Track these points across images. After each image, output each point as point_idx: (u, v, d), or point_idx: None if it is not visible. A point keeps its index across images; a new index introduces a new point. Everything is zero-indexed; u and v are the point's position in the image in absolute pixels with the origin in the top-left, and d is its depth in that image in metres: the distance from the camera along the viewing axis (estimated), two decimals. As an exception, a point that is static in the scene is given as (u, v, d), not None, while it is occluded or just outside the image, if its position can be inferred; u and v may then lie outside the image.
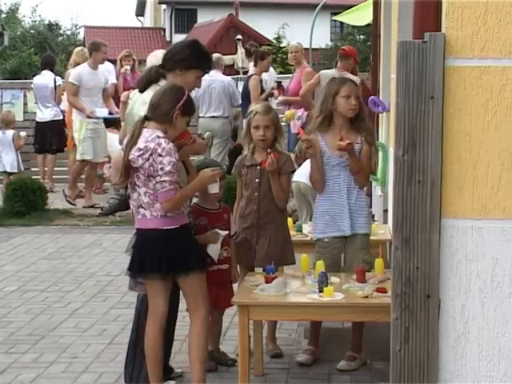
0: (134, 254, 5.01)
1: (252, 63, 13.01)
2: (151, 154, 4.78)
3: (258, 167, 5.76)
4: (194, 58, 5.28)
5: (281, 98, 12.40)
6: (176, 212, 4.89)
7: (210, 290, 5.12)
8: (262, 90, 12.39)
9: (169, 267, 4.89)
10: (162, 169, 4.78)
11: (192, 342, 5.05)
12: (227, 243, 5.52)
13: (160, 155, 4.77)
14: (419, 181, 3.53)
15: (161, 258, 4.89)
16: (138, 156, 4.81)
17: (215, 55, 13.38)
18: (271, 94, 12.48)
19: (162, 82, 5.24)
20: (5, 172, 13.07)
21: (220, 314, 5.78)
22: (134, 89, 6.43)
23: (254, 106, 5.92)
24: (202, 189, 5.27)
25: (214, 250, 5.36)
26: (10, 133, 13.16)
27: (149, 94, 5.22)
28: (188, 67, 5.25)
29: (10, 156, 13.14)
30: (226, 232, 5.41)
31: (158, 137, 4.81)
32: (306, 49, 22.23)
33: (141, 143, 4.82)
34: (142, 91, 5.34)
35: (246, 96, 12.40)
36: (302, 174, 9.20)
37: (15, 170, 13.10)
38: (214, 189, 5.34)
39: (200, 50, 5.41)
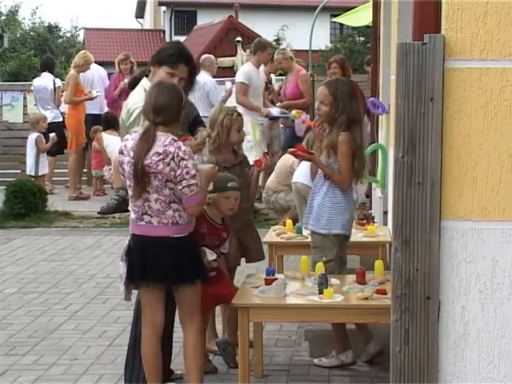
0: (134, 261, 4.79)
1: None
2: (172, 159, 4.62)
3: (237, 167, 5.92)
4: (161, 53, 5.24)
5: (279, 104, 12.32)
6: (187, 219, 4.77)
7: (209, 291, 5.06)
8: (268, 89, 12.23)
9: (176, 276, 4.75)
10: (187, 172, 4.63)
11: (189, 353, 4.87)
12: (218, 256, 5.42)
13: (183, 159, 4.62)
14: (419, 182, 3.53)
15: (167, 266, 4.73)
16: (158, 161, 4.63)
17: (203, 56, 13.34)
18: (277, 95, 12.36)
19: (144, 81, 5.24)
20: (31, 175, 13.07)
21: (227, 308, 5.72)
22: None
23: (229, 110, 5.99)
24: (207, 186, 5.04)
25: None
26: (33, 135, 13.14)
27: (133, 94, 5.23)
28: (157, 64, 5.22)
29: (29, 159, 13.16)
30: (214, 257, 5.21)
31: (175, 140, 4.68)
32: (306, 51, 22.23)
33: (158, 148, 4.64)
34: (131, 90, 5.37)
35: None
36: (300, 175, 9.19)
37: (33, 173, 13.09)
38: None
39: (172, 47, 5.35)
